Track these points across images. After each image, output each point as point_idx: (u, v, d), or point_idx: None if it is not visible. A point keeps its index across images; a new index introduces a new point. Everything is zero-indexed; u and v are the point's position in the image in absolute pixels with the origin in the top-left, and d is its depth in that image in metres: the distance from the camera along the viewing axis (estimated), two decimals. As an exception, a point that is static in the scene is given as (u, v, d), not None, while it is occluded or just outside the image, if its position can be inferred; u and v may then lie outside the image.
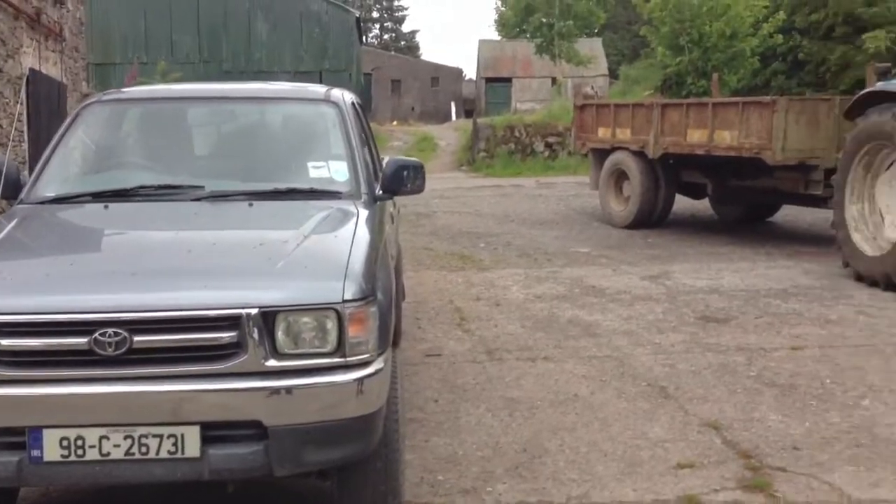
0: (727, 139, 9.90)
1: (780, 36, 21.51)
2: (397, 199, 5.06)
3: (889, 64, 9.25)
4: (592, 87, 22.78)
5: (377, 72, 44.07)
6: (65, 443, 2.76)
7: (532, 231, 11.48)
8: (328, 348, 2.87)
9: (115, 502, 3.72)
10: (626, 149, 11.72)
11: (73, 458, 2.77)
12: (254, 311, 2.79)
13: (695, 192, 11.86)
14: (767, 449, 4.25)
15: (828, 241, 8.97)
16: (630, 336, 6.30)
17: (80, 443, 2.76)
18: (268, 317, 2.82)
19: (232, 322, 2.79)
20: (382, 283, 3.21)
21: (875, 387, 5.13)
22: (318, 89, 4.72)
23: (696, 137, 10.48)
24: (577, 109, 13.29)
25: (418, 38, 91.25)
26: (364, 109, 5.69)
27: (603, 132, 12.36)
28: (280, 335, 2.83)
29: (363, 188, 3.98)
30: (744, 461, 4.12)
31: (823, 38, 21.36)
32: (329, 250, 3.21)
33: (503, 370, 5.54)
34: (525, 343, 6.16)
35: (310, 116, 4.46)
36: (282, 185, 3.90)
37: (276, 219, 3.67)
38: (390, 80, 45.86)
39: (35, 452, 2.76)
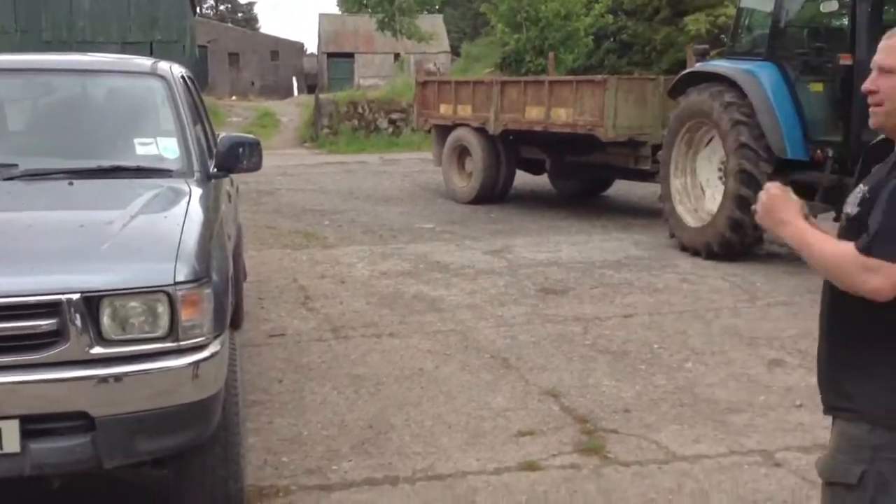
0: (563, 116, 10.22)
1: (610, 16, 22.42)
2: (237, 176, 4.90)
3: (707, 46, 9.85)
4: (435, 64, 22.95)
5: (213, 44, 42.46)
6: None
7: (377, 208, 11.46)
8: (160, 332, 2.75)
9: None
10: (468, 125, 11.89)
11: None
12: (75, 297, 2.63)
13: (534, 168, 12.20)
14: (601, 413, 4.46)
15: (656, 214, 9.48)
16: (474, 310, 6.42)
17: None
18: (91, 302, 2.66)
19: (51, 309, 2.62)
20: (217, 264, 3.10)
21: (697, 350, 5.48)
22: (145, 62, 4.46)
23: (534, 114, 10.76)
24: (420, 86, 13.34)
25: (256, 10, 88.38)
26: (197, 83, 5.46)
27: (445, 109, 12.47)
28: (106, 321, 2.69)
29: (196, 166, 3.82)
30: (580, 426, 4.30)
31: (649, 20, 22.49)
32: (159, 231, 3.07)
33: (349, 348, 5.52)
34: (370, 320, 6.16)
35: (136, 90, 4.23)
36: (106, 163, 3.69)
37: (100, 198, 3.47)
38: (228, 54, 44.32)
39: None
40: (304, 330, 5.91)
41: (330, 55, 42.36)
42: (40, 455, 2.64)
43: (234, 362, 3.18)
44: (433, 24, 37.22)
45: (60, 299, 2.62)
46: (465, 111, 11.97)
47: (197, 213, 3.29)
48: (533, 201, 12.11)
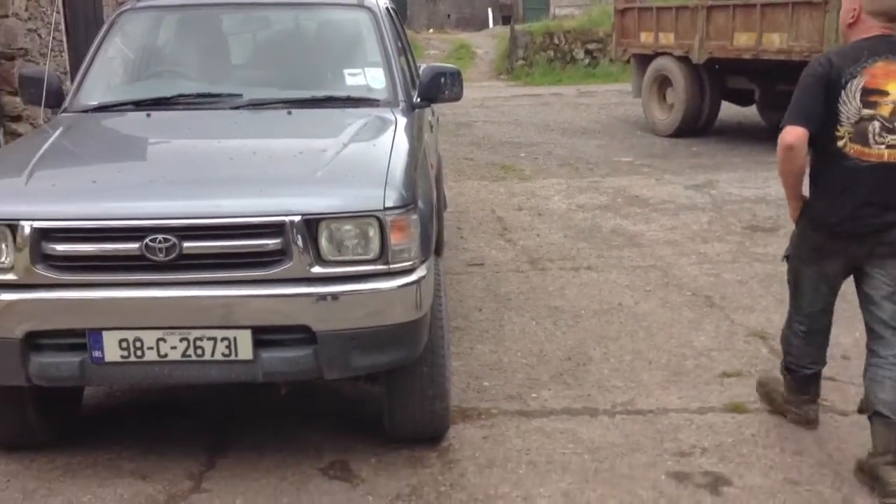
0: (776, 42, 9.53)
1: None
2: (436, 107, 4.96)
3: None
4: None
5: (412, -22, 42.89)
6: (124, 344, 2.82)
7: (573, 140, 11.28)
8: (371, 255, 2.86)
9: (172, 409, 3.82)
10: (670, 54, 11.35)
11: (132, 358, 2.84)
12: (297, 219, 2.78)
13: (742, 99, 11.50)
14: (815, 358, 4.20)
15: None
16: (674, 246, 6.22)
17: (138, 344, 2.82)
18: (311, 224, 2.81)
19: (276, 229, 2.79)
20: (423, 192, 3.17)
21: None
22: None
23: (743, 41, 10.09)
24: (618, 14, 12.84)
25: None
26: (399, 16, 5.54)
27: (645, 37, 11.96)
28: (323, 242, 2.83)
29: (400, 96, 3.90)
30: (791, 370, 4.08)
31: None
32: (369, 158, 3.17)
33: (546, 279, 5.52)
34: (568, 253, 6.12)
35: (345, 22, 4.35)
36: (319, 93, 3.85)
37: (315, 127, 3.62)
38: (426, -13, 44.66)
39: (96, 353, 2.83)
40: (503, 260, 5.97)
41: (526, -15, 41.63)
42: (270, 364, 2.85)
43: (439, 287, 3.26)
44: (634, -52, 35.58)
45: (284, 221, 2.78)
46: (667, 39, 11.43)
47: (403, 142, 3.36)
48: (739, 134, 11.46)
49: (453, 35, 34.69)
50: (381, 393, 3.27)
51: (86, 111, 3.75)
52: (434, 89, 3.97)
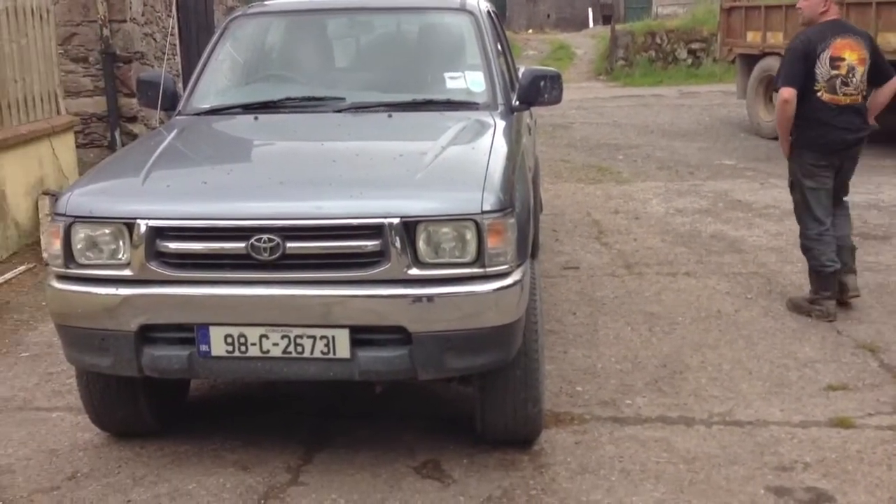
0: (893, 42, 9.10)
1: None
2: (534, 109, 4.95)
3: None
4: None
5: (512, -22, 42.81)
6: (229, 339, 2.93)
7: (673, 143, 11.07)
8: (468, 258, 2.89)
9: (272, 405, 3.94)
10: (778, 54, 10.97)
11: (236, 353, 2.95)
12: (395, 221, 2.83)
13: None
14: (929, 374, 4.02)
15: None
16: (778, 253, 6.03)
17: (242, 340, 2.93)
18: (409, 226, 2.85)
19: (375, 231, 2.85)
20: (520, 195, 3.18)
21: None
22: None
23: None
24: (724, 12, 12.51)
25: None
26: (499, 18, 5.55)
27: (752, 36, 11.62)
28: (421, 244, 2.87)
29: (500, 99, 3.92)
30: (902, 385, 3.91)
31: None
32: (467, 161, 3.20)
33: (642, 284, 5.45)
34: (665, 258, 6.02)
35: (446, 26, 4.40)
36: (419, 97, 3.90)
37: (415, 130, 3.68)
38: (525, -13, 44.51)
39: (203, 347, 2.95)
40: (598, 264, 5.92)
41: (627, -16, 40.98)
42: (367, 363, 2.92)
43: (534, 291, 3.26)
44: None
45: (383, 223, 2.83)
46: (775, 38, 11.07)
47: (501, 145, 3.38)
48: (850, 137, 10.99)
49: (552, 35, 34.48)
50: (474, 395, 3.29)
51: (198, 114, 3.92)
52: (533, 92, 3.98)
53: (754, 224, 6.84)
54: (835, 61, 4.56)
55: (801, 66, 4.58)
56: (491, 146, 3.31)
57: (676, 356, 4.31)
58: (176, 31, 10.31)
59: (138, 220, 2.91)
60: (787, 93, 4.57)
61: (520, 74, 4.17)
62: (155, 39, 9.73)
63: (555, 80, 4.02)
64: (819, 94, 4.60)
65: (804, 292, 4.93)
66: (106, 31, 8.59)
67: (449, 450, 3.39)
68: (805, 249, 4.83)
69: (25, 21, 6.77)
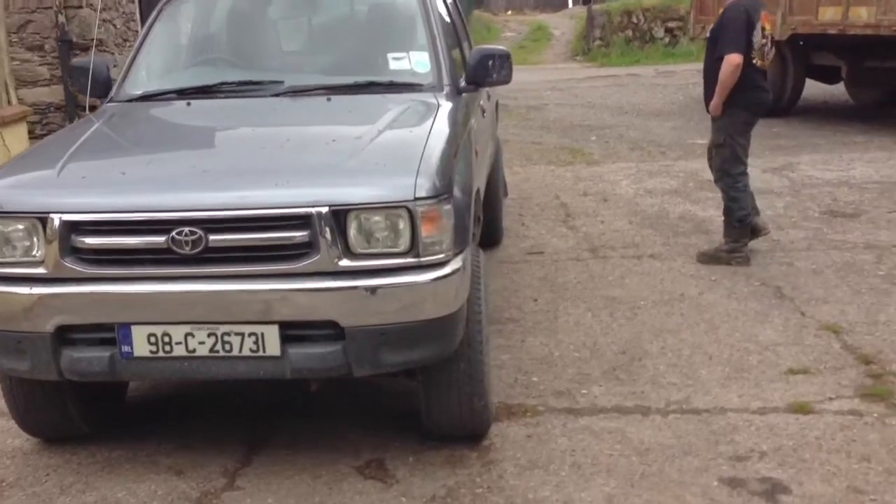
0: (864, 16, 8.99)
1: None
2: (506, 91, 4.76)
3: None
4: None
5: (490, -40, 42.44)
6: (152, 339, 2.79)
7: (647, 122, 10.93)
8: (401, 248, 2.75)
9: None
10: (751, 31, 10.86)
11: (161, 353, 2.80)
12: (324, 210, 2.69)
13: (827, 76, 10.94)
14: (893, 354, 3.92)
15: (978, 127, 8.11)
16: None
17: (166, 339, 2.78)
18: (339, 215, 2.71)
19: (303, 221, 2.70)
20: (461, 180, 3.04)
21: None
22: None
23: (828, 16, 9.56)
24: (697, -10, 12.39)
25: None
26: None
27: (726, 13, 11.48)
28: (352, 234, 2.73)
29: (445, 80, 3.76)
30: (864, 367, 3.81)
31: None
32: (403, 146, 3.05)
33: (607, 268, 5.32)
34: (631, 240, 5.90)
35: (392, 5, 4.24)
36: (361, 79, 3.74)
37: (353, 114, 3.52)
38: (504, -32, 44.15)
39: (125, 348, 2.80)
40: (563, 248, 5.79)
41: (606, -37, 40.74)
42: (298, 360, 2.77)
43: (477, 280, 3.12)
44: (719, -78, 34.32)
45: (311, 212, 2.69)
46: (748, 15, 10.93)
47: (442, 129, 3.23)
48: (824, 114, 10.91)
49: (531, 16, 34.27)
50: (418, 389, 3.16)
51: (130, 101, 3.74)
52: (482, 72, 3.83)
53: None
54: (762, 31, 5.06)
55: (744, 34, 4.97)
56: (430, 129, 3.17)
57: (636, 342, 4.19)
58: (137, 16, 10.08)
59: (51, 214, 2.75)
60: (738, 58, 4.94)
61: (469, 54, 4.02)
62: (115, 26, 9.49)
63: (504, 59, 3.87)
64: (754, 60, 5.03)
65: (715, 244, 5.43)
66: (62, 18, 8.37)
67: (394, 447, 3.27)
68: (733, 201, 5.23)
69: (-31, 9, 6.55)
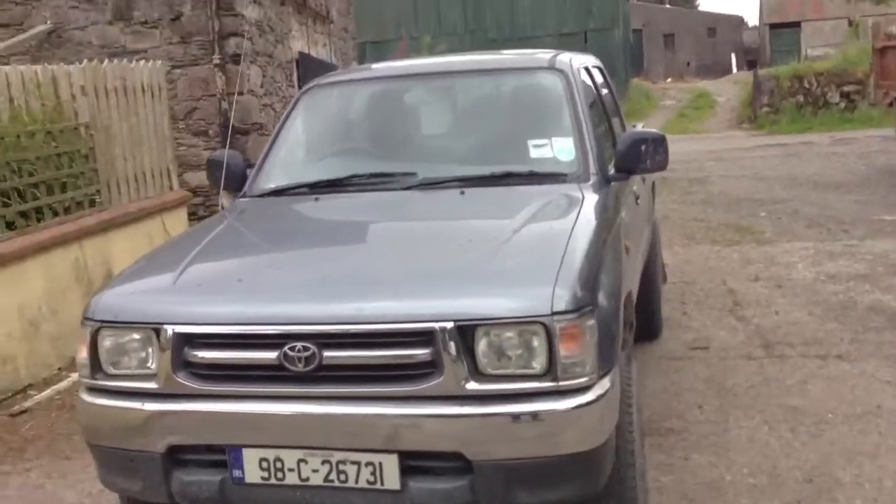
0: None
1: None
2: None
3: None
4: (900, 25, 19.82)
5: (648, 27, 42.08)
6: (264, 464, 2.52)
7: (824, 196, 10.06)
8: (536, 370, 2.36)
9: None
10: (942, 94, 9.88)
11: (273, 480, 2.53)
12: (449, 325, 2.35)
13: None
14: None
15: None
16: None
17: (279, 465, 2.51)
18: (465, 331, 2.36)
19: (425, 337, 2.37)
20: (608, 286, 2.63)
21: None
22: (543, 56, 4.10)
23: None
24: (877, 53, 11.52)
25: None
26: (606, 74, 5.02)
27: (912, 77, 10.54)
28: (480, 353, 2.37)
29: (592, 168, 3.38)
30: None
31: None
32: (539, 249, 2.69)
33: (784, 370, 4.68)
34: (813, 335, 5.20)
35: (533, 88, 3.90)
36: (498, 169, 3.41)
37: (487, 210, 3.19)
38: (662, 35, 43.61)
39: (237, 473, 2.55)
40: (731, 344, 5.18)
41: (773, 26, 39.40)
42: (420, 495, 2.42)
43: (629, 402, 2.67)
44: (898, -21, 32.44)
45: (434, 327, 2.35)
46: (938, 77, 9.97)
47: (586, 227, 2.85)
48: None
49: (692, 83, 33.46)
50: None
51: (262, 195, 3.60)
52: (633, 159, 3.42)
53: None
54: None
55: None
56: (573, 228, 2.79)
57: (824, 467, 3.55)
58: (296, 100, 10.34)
59: (165, 325, 2.56)
60: None
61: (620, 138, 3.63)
62: (275, 110, 9.77)
63: (658, 144, 3.45)
64: None
65: None
66: (224, 104, 8.65)
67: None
68: None
69: (136, 99, 6.83)
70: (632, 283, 3.37)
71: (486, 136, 3.69)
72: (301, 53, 11.15)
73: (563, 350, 2.33)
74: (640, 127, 6.44)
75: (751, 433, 3.93)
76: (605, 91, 4.66)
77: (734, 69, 38.87)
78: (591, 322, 2.40)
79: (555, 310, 2.34)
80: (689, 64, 42.40)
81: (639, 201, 4.22)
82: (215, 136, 8.77)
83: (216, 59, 8.66)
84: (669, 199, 10.65)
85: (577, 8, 26.32)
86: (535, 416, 2.34)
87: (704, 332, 5.43)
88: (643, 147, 3.42)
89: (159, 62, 7.40)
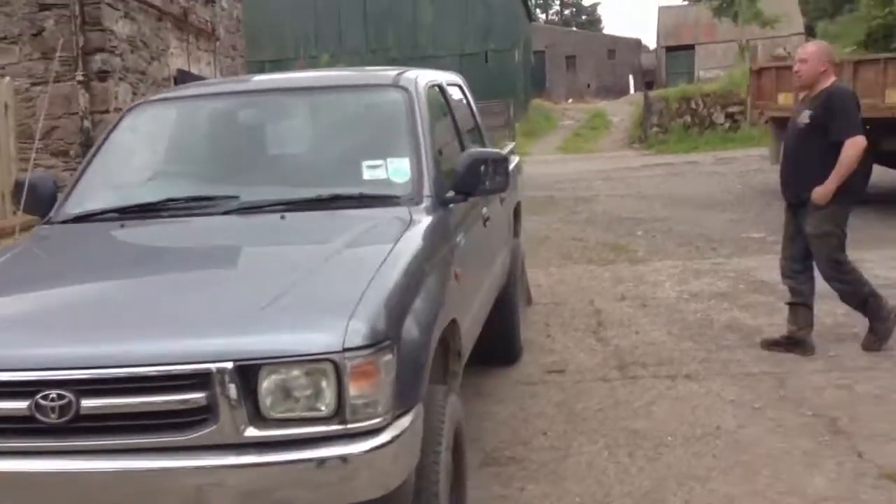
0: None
1: None
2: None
3: None
4: (785, 49, 20.64)
5: (551, 49, 42.90)
6: None
7: (700, 214, 10.30)
8: (324, 412, 2.23)
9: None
10: (811, 116, 10.24)
11: None
12: (227, 366, 2.19)
13: (897, 162, 10.19)
14: (972, 516, 3.18)
15: None
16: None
17: None
18: (247, 372, 2.20)
19: (200, 380, 2.20)
20: (421, 315, 2.53)
21: None
22: (388, 73, 3.99)
23: None
24: (754, 74, 11.92)
25: (599, 10, 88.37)
26: (467, 92, 4.97)
27: (784, 98, 10.90)
28: (263, 395, 2.21)
29: (426, 190, 3.26)
30: (935, 535, 3.08)
31: None
32: (343, 281, 2.55)
33: (634, 392, 4.68)
34: (668, 355, 5.24)
35: (373, 106, 3.78)
36: (325, 192, 3.26)
37: (302, 237, 3.05)
38: (564, 57, 44.53)
39: None
40: (588, 366, 5.16)
41: (668, 49, 40.75)
42: None
43: (437, 439, 2.56)
44: (784, 4, 33.97)
45: (210, 369, 2.19)
46: (807, 100, 10.33)
47: (403, 254, 2.74)
48: (894, 203, 10.10)
49: (592, 104, 34.19)
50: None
51: (66, 221, 3.36)
52: (472, 180, 3.32)
53: (776, 310, 6.00)
54: None
55: (860, 117, 4.83)
56: (387, 256, 2.67)
57: (657, 493, 3.52)
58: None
59: None
60: (864, 142, 4.73)
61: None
62: (148, 128, 9.42)
63: (498, 165, 3.37)
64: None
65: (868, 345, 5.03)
66: (87, 123, 8.28)
67: None
68: (852, 284, 5.04)
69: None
70: (462, 311, 3.26)
71: (320, 157, 3.55)
72: (180, 71, 10.79)
73: (353, 389, 2.20)
74: (509, 149, 6.44)
75: (591, 459, 3.88)
76: (462, 111, 4.59)
77: (632, 90, 39.94)
78: (389, 358, 2.28)
79: (346, 346, 2.21)
80: (589, 85, 43.35)
81: (487, 224, 4.14)
82: (76, 156, 8.36)
83: (79, 75, 8.28)
84: (554, 218, 10.74)
85: (477, 29, 26.59)
86: (320, 462, 2.20)
87: (565, 355, 5.40)
88: (482, 168, 3.34)
89: (7, 78, 7.00)
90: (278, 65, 23.73)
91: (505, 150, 6.33)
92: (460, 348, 3.12)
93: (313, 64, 20.51)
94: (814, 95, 4.92)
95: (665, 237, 9.01)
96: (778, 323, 5.69)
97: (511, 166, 5.88)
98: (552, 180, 14.39)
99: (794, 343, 5.09)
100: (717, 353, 5.21)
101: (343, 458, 2.20)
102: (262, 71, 19.82)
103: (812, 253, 5.03)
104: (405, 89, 3.70)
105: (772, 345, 5.17)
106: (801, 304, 5.11)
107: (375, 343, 2.26)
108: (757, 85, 11.75)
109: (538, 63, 38.47)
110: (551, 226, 10.14)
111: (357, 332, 2.25)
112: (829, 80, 4.91)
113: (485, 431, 4.25)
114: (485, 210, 4.12)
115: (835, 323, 5.56)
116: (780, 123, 11.05)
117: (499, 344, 5.11)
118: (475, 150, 3.56)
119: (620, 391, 4.71)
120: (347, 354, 2.22)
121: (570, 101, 37.02)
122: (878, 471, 3.57)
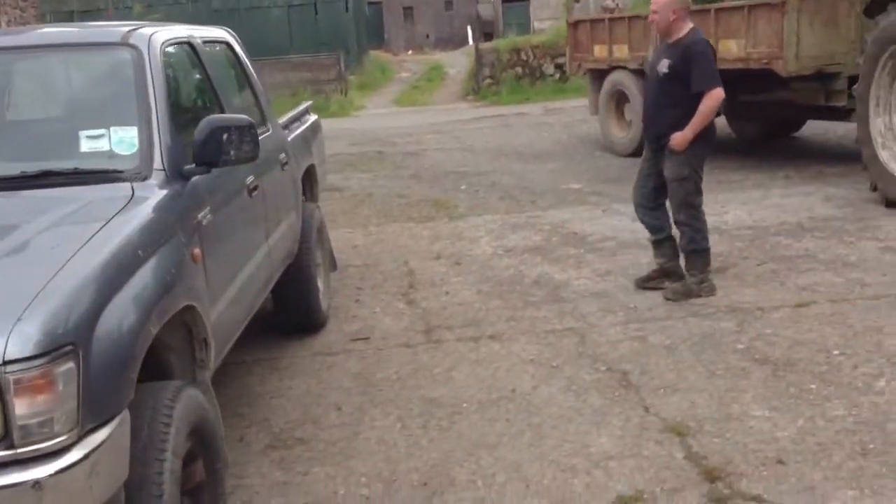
0: (733, 49, 8.58)
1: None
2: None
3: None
4: (614, 1, 21.05)
5: (387, 0, 42.25)
6: None
7: (525, 166, 10.34)
8: None
9: None
10: (625, 68, 10.44)
11: None
12: None
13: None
14: (742, 464, 3.24)
15: (857, 159, 7.66)
16: (601, 299, 5.26)
17: None
18: None
19: None
20: (130, 309, 2.23)
21: (894, 358, 4.05)
22: (117, 30, 3.51)
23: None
24: (571, 27, 12.01)
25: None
26: (235, 48, 4.57)
27: (599, 51, 11.05)
28: None
29: (157, 163, 2.91)
30: (708, 486, 3.12)
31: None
32: (17, 278, 2.19)
33: (436, 357, 4.56)
34: (474, 316, 5.16)
35: (97, 67, 3.35)
36: (32, 167, 2.85)
37: None
38: (402, 8, 43.99)
39: None
40: (393, 331, 5.00)
41: (505, 0, 40.94)
42: None
43: (161, 447, 2.24)
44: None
45: None
46: (621, 52, 10.52)
47: (112, 238, 2.41)
48: (705, 149, 10.50)
49: (431, 56, 34.00)
50: None
51: None
52: (213, 150, 2.99)
53: (584, 262, 6.07)
54: None
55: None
56: (87, 241, 2.33)
57: (443, 466, 3.41)
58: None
59: None
60: (722, 93, 4.92)
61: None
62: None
63: (245, 132, 3.06)
64: None
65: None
66: None
67: None
68: (697, 231, 5.15)
69: None
70: (208, 294, 2.96)
71: (30, 127, 3.11)
72: (-42, 24, 9.74)
73: (20, 408, 1.89)
74: (304, 107, 6.08)
75: (382, 433, 3.73)
76: (227, 72, 4.22)
77: (470, 41, 39.98)
78: (69, 366, 1.97)
79: (8, 357, 1.89)
80: (428, 36, 43.10)
81: (255, 193, 3.82)
82: None
83: None
84: (381, 174, 10.52)
85: (307, -22, 25.66)
86: None
87: (371, 321, 5.22)
88: (225, 136, 3.01)
89: None
90: (86, 16, 22.03)
91: (301, 107, 6.04)
92: (206, 336, 2.82)
93: (124, 15, 19.12)
94: (671, 43, 5.05)
95: (487, 191, 8.97)
96: (583, 276, 5.74)
97: (304, 128, 5.61)
98: (384, 134, 14.14)
99: (666, 274, 5.30)
100: (522, 311, 5.17)
101: (14, 488, 1.89)
102: (70, 21, 18.30)
103: (666, 192, 5.20)
104: (135, 48, 3.25)
105: (645, 281, 5.35)
106: (663, 239, 5.29)
107: (50, 350, 1.95)
108: (574, 38, 11.85)
109: (374, 14, 37.78)
110: (376, 182, 9.92)
111: (25, 338, 1.93)
112: (686, 28, 5.04)
113: (274, 411, 4.02)
114: (250, 179, 3.77)
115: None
116: (598, 75, 11.29)
117: (295, 314, 4.87)
118: (215, 116, 3.18)
119: (423, 357, 4.58)
120: (10, 368, 1.90)
121: (410, 52, 36.70)
122: (661, 424, 3.60)
